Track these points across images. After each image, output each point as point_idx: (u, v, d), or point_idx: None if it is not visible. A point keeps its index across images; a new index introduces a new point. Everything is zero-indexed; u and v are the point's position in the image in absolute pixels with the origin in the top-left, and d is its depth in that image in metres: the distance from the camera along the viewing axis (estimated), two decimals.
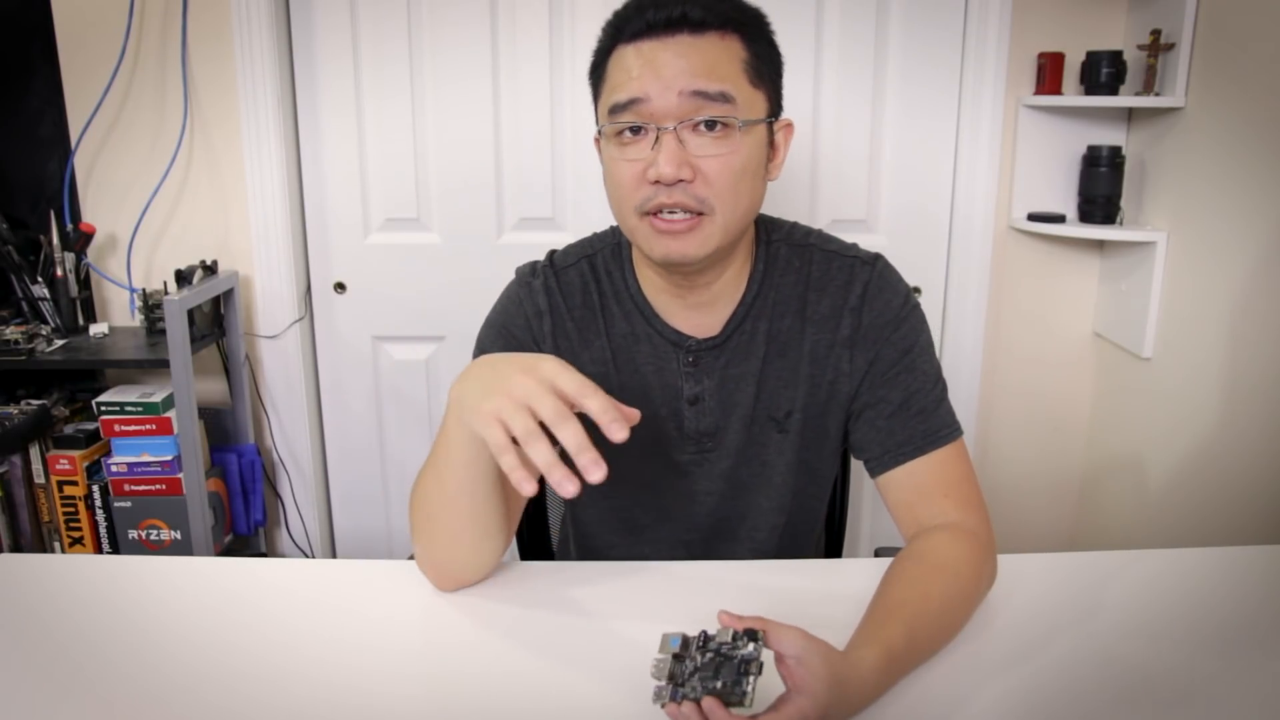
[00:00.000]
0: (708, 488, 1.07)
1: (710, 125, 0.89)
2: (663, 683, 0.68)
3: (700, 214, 0.91)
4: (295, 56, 2.00)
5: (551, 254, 1.09)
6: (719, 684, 0.67)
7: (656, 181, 0.89)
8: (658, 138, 0.89)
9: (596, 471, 0.70)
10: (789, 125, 0.98)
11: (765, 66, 0.94)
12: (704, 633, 0.71)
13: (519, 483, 0.72)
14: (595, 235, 1.10)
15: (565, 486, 0.68)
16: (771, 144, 0.97)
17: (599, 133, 0.96)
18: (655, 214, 0.91)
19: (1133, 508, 1.94)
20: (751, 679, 0.67)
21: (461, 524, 0.90)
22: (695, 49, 0.89)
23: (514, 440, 0.73)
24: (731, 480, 1.06)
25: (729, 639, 0.69)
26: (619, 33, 0.92)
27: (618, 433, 0.72)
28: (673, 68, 0.88)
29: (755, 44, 0.92)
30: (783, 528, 1.08)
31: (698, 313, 1.02)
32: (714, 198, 0.90)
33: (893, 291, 1.02)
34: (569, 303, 1.05)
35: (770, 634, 0.69)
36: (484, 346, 1.06)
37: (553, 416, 0.73)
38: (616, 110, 0.91)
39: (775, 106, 0.96)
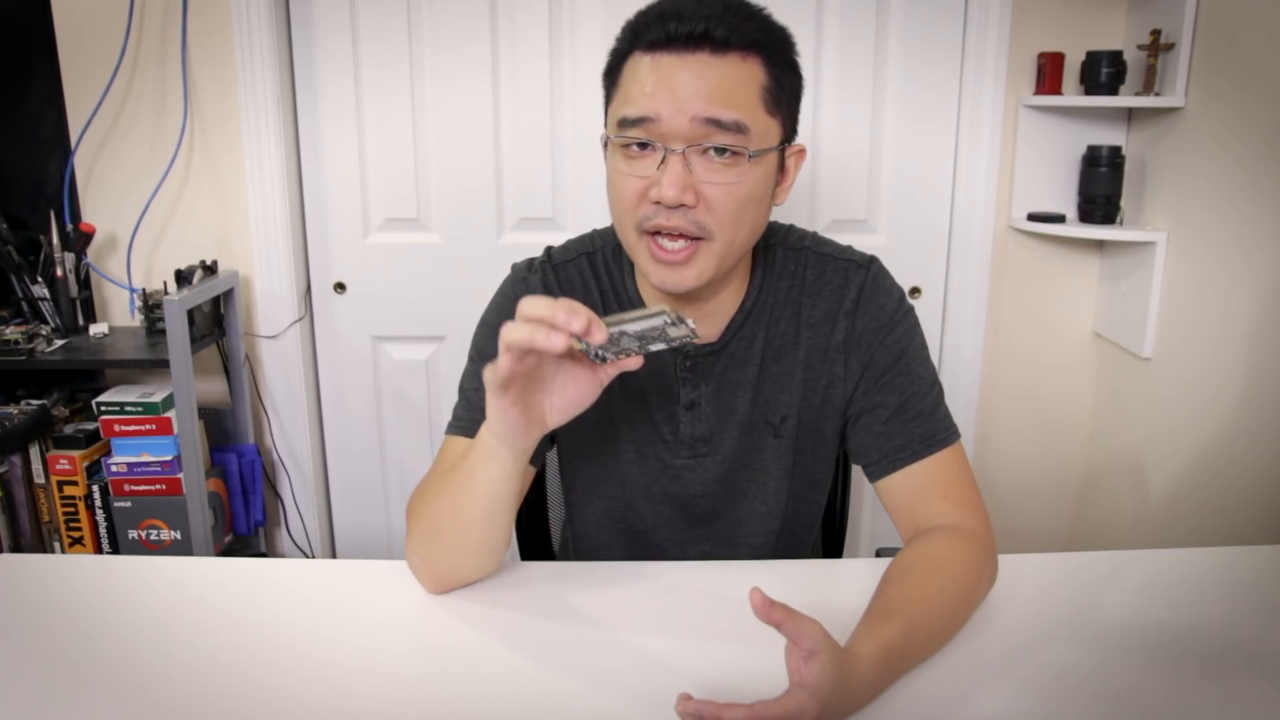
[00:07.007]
0: (702, 492, 1.06)
1: (720, 151, 0.87)
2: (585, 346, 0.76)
3: (698, 239, 0.89)
4: (295, 57, 2.00)
5: (549, 250, 1.07)
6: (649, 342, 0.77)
7: (658, 202, 0.87)
8: (664, 157, 0.87)
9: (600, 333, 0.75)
10: (801, 151, 0.96)
11: (784, 93, 0.91)
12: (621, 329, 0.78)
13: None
14: (595, 232, 1.08)
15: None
16: (781, 168, 0.94)
17: (606, 139, 0.93)
18: (654, 234, 0.89)
19: (1133, 508, 1.94)
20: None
21: (482, 533, 0.91)
22: (714, 71, 0.85)
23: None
24: (727, 484, 1.06)
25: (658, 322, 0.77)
26: (637, 38, 0.88)
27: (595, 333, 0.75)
28: (688, 89, 0.85)
29: (777, 68, 0.90)
30: (779, 531, 1.08)
31: (696, 322, 1.01)
32: (714, 225, 0.88)
33: (886, 295, 1.01)
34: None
35: (789, 624, 0.68)
36: (480, 347, 1.04)
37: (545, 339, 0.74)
38: (626, 124, 0.88)
39: (790, 131, 0.94)
